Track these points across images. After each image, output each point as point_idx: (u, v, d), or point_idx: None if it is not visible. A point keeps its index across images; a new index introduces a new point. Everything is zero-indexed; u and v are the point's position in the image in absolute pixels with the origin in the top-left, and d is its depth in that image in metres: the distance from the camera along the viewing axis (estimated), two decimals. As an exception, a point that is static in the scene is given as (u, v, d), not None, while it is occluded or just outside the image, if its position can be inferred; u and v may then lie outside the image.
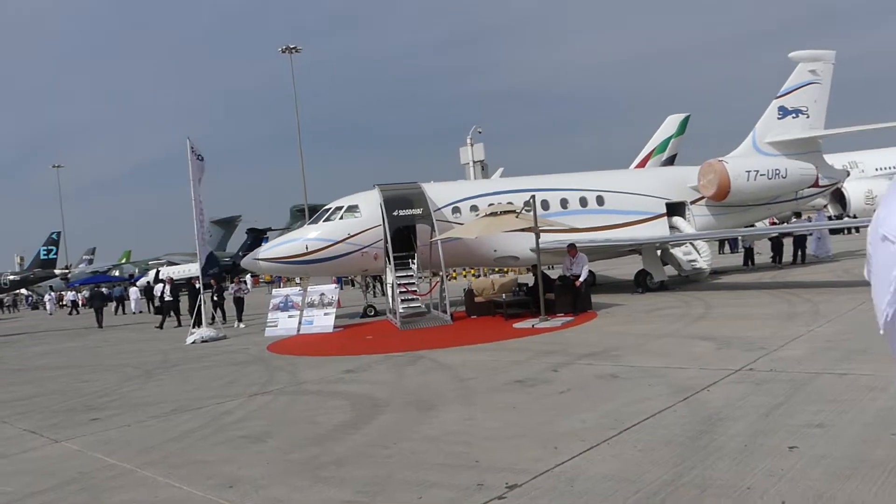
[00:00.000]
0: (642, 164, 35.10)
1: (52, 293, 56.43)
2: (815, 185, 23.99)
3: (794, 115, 23.99)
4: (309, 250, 19.62)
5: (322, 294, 18.88)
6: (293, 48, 51.24)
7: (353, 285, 37.18)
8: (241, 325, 22.17)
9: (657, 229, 21.59)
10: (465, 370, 10.31)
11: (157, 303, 27.84)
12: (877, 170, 47.59)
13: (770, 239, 25.38)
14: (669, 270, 21.27)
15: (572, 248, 17.06)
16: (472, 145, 38.09)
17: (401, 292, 17.84)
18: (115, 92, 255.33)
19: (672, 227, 21.91)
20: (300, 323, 18.66)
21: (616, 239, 20.78)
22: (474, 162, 37.98)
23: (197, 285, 21.45)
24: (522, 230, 16.61)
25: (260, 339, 18.04)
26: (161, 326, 24.42)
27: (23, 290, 67.65)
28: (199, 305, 20.00)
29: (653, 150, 36.23)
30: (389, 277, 18.79)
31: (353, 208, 20.04)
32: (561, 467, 5.43)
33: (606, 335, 12.57)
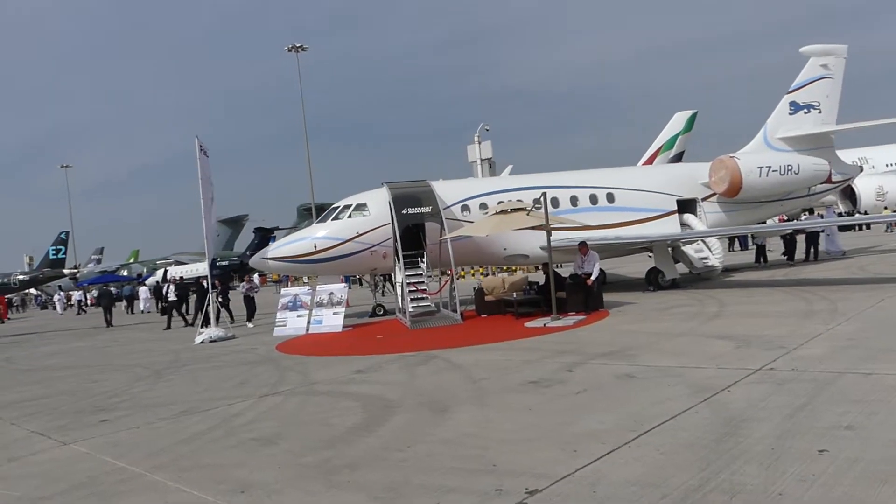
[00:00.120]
0: (650, 162, 34.87)
1: (62, 293, 56.56)
2: (828, 180, 23.71)
3: (805, 110, 23.72)
4: (317, 249, 19.50)
5: (331, 293, 18.76)
6: (299, 47, 51.11)
7: (361, 284, 37.12)
8: (250, 325, 22.08)
9: (668, 226, 21.37)
10: (477, 370, 10.15)
11: (163, 303, 27.83)
12: (887, 166, 47.17)
13: (783, 236, 25.13)
14: (681, 268, 21.07)
15: (583, 246, 16.87)
16: (479, 143, 37.97)
17: (410, 291, 17.70)
18: (122, 92, 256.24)
19: (683, 225, 21.69)
20: (309, 322, 18.55)
21: (627, 236, 20.58)
22: (482, 160, 37.87)
23: (205, 284, 21.38)
24: (533, 228, 16.45)
25: (269, 338, 17.94)
26: (168, 327, 24.39)
27: (32, 290, 67.97)
28: (208, 305, 19.91)
29: (660, 147, 36.02)
30: (399, 276, 18.65)
31: (361, 206, 19.90)
32: (582, 471, 5.27)
33: (620, 334, 12.39)
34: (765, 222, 25.44)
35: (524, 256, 20.68)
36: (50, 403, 11.08)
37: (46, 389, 12.84)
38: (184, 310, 26.01)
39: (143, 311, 38.01)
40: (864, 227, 39.73)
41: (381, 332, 16.67)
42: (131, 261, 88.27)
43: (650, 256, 22.09)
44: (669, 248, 20.63)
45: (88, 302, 54.17)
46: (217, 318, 19.83)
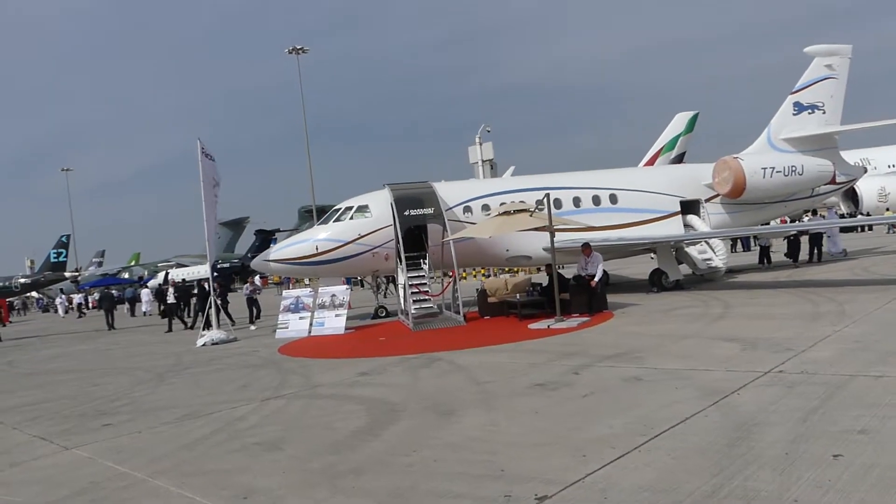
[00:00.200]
0: (651, 163, 34.82)
1: (63, 296, 56.51)
2: (833, 181, 23.61)
3: (809, 110, 23.64)
4: (319, 251, 19.43)
5: (333, 295, 18.67)
6: (300, 49, 51.06)
7: (363, 286, 37.02)
8: (253, 328, 22.00)
9: (672, 228, 21.30)
10: (482, 373, 10.06)
11: (163, 305, 27.71)
12: (889, 167, 47.06)
13: (787, 238, 25.03)
14: (684, 269, 20.97)
15: (587, 248, 16.78)
16: (480, 144, 37.89)
17: (413, 293, 17.61)
18: (123, 94, 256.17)
19: (686, 226, 21.62)
20: (311, 324, 18.46)
21: (630, 238, 20.50)
22: (483, 161, 37.78)
23: (206, 287, 21.30)
24: (536, 229, 16.36)
25: (270, 341, 17.85)
26: (170, 329, 24.31)
27: (33, 293, 67.89)
28: (209, 307, 19.83)
29: (661, 148, 35.98)
30: (401, 278, 18.57)
31: (363, 208, 19.83)
32: (592, 477, 5.18)
33: (625, 336, 12.30)
34: (768, 223, 25.36)
35: (527, 258, 20.60)
36: (52, 407, 11.00)
37: (48, 393, 12.75)
38: (184, 312, 25.88)
39: (145, 314, 37.95)
40: (865, 228, 39.64)
41: (384, 334, 16.59)
42: (132, 263, 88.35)
43: (652, 258, 22.02)
44: (673, 250, 20.54)
45: (90, 305, 54.06)
46: (218, 320, 19.74)
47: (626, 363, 9.58)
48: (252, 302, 23.28)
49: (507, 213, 16.76)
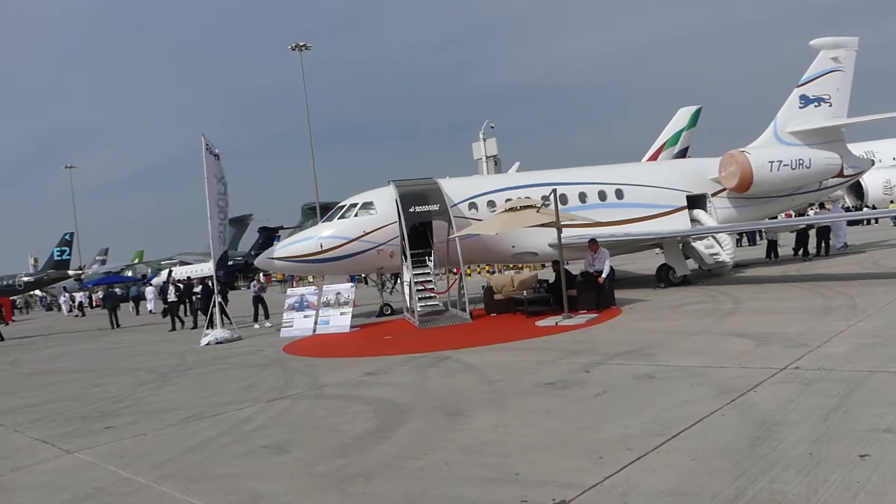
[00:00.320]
0: (654, 158, 34.61)
1: (66, 294, 56.50)
2: (840, 174, 23.38)
3: (816, 103, 23.39)
4: (323, 248, 19.26)
5: (338, 293, 18.52)
6: (303, 45, 50.84)
7: (367, 283, 36.89)
8: (256, 326, 21.88)
9: (678, 222, 21.08)
10: (491, 371, 9.90)
11: (164, 303, 27.57)
12: (894, 159, 46.74)
13: (795, 231, 24.80)
14: (691, 264, 20.78)
15: (594, 244, 16.59)
16: (484, 140, 37.76)
17: (418, 290, 17.45)
18: (124, 94, 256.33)
19: (693, 220, 21.41)
20: (316, 323, 18.32)
21: (637, 233, 20.31)
22: (487, 157, 37.66)
23: (210, 285, 21.16)
24: (542, 225, 16.19)
25: (275, 339, 17.71)
26: (173, 328, 24.19)
27: (37, 292, 67.91)
28: (213, 306, 19.70)
29: (665, 143, 35.78)
30: (406, 275, 18.40)
31: (367, 205, 19.66)
32: (610, 480, 5.01)
33: (634, 332, 12.13)
34: (776, 217, 25.14)
35: (533, 254, 20.41)
36: (54, 409, 10.86)
37: (50, 394, 12.61)
38: (184, 311, 25.71)
39: (150, 312, 37.84)
40: (871, 221, 39.39)
41: (390, 333, 16.43)
42: (136, 261, 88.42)
43: (658, 253, 21.83)
44: (680, 245, 20.35)
45: (93, 303, 53.99)
46: (221, 319, 19.61)
47: (637, 360, 9.41)
48: (258, 300, 23.12)
49: (512, 209, 16.60)
